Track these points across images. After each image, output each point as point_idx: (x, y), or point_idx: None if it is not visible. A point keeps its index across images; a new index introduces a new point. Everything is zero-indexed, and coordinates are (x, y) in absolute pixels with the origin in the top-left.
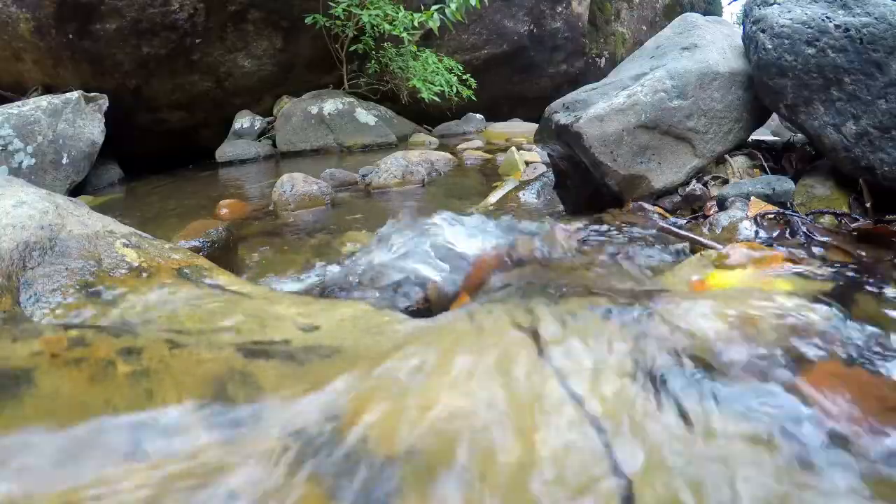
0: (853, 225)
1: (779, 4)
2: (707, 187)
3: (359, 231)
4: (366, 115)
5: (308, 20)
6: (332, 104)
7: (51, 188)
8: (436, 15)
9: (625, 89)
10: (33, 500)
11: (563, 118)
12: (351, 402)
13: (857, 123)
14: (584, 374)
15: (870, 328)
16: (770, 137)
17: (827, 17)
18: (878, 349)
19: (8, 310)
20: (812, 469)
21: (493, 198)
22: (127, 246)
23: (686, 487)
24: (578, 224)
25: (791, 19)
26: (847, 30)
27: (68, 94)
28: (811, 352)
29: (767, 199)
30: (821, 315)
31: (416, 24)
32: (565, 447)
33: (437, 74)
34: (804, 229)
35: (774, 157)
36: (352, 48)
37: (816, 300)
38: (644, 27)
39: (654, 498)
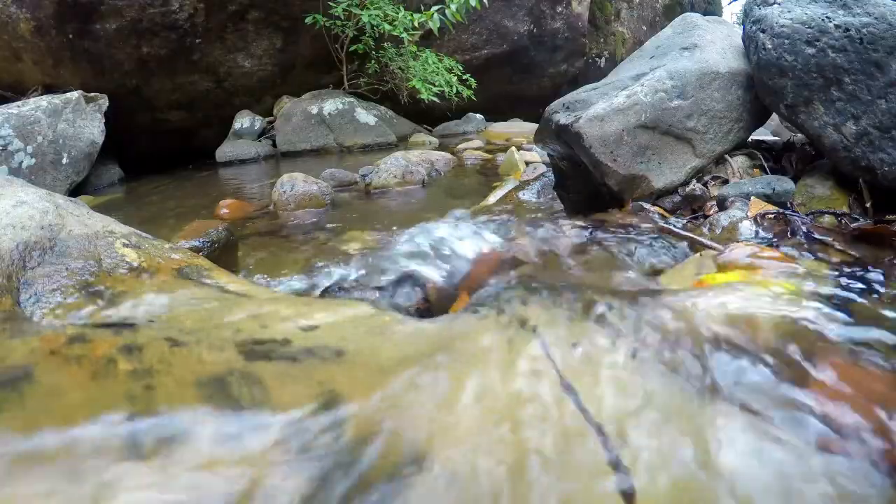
0: (853, 225)
1: (779, 4)
2: (707, 187)
3: (359, 231)
4: (366, 115)
5: (308, 20)
6: (332, 104)
7: (51, 188)
8: (436, 15)
9: (625, 89)
10: (33, 501)
11: (563, 118)
12: (352, 405)
13: (856, 123)
14: (585, 375)
15: (868, 327)
16: (770, 137)
17: (827, 17)
18: (876, 348)
19: (8, 310)
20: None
21: (493, 198)
22: (127, 246)
23: None
24: (578, 224)
25: (791, 19)
26: (847, 30)
27: (68, 94)
28: (808, 349)
29: (767, 199)
30: (819, 314)
31: (416, 24)
32: (568, 457)
33: (437, 74)
34: (804, 229)
35: (774, 157)
36: (352, 48)
37: (816, 300)
38: (644, 27)
39: None
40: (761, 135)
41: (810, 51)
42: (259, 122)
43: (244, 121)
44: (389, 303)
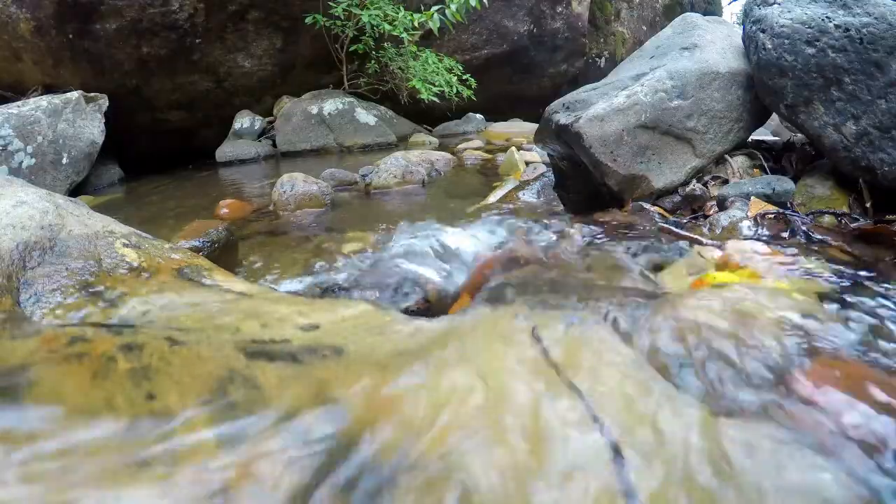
0: (853, 225)
1: (779, 4)
2: (707, 187)
3: (359, 231)
4: (366, 115)
5: (308, 20)
6: (332, 104)
7: (51, 188)
8: (436, 15)
9: (625, 89)
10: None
11: (563, 118)
12: (351, 403)
13: (856, 123)
14: (585, 373)
15: (867, 327)
16: (770, 137)
17: (827, 17)
18: (874, 347)
19: (8, 310)
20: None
21: (493, 198)
22: (127, 246)
23: None
24: (578, 224)
25: (791, 19)
26: (847, 30)
27: (68, 94)
28: (805, 348)
29: (767, 199)
30: (818, 313)
31: (416, 24)
32: (574, 466)
33: (437, 74)
34: (804, 229)
35: (774, 157)
36: (352, 48)
37: (815, 299)
38: (644, 27)
39: None
40: (761, 135)
41: (810, 51)
42: (259, 122)
43: (244, 121)
44: (390, 303)
